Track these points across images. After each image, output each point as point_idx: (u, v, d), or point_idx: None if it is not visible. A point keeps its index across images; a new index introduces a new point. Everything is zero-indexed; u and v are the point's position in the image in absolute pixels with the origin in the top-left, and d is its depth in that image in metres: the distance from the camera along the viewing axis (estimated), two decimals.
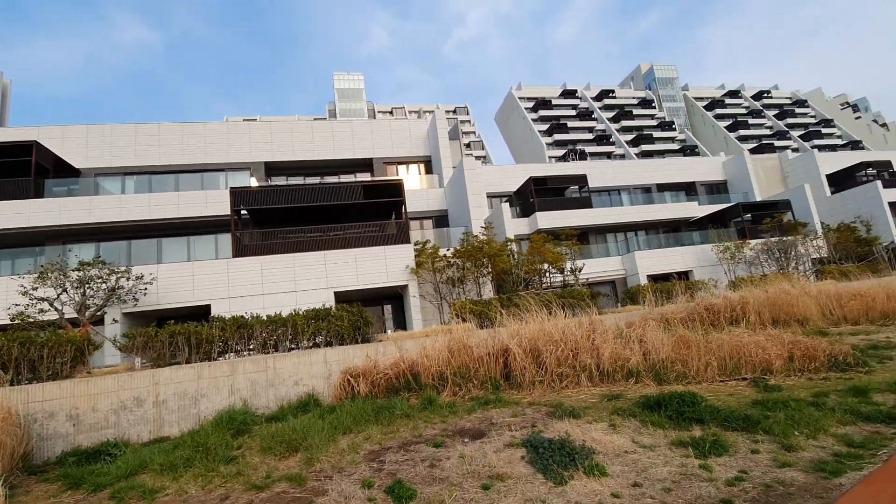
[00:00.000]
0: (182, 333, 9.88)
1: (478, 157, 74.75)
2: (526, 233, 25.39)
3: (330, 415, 7.29)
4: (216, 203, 20.65)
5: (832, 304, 12.80)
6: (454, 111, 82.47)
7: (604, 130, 67.11)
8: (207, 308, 15.58)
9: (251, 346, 10.70)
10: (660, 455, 4.91)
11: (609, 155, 62.58)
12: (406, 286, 17.04)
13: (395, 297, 18.92)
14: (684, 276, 25.83)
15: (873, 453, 4.47)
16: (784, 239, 24.41)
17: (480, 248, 16.22)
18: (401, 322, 18.84)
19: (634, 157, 59.95)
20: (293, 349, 10.96)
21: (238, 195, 17.22)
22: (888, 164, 34.14)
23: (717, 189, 34.63)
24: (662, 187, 33.36)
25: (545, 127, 66.50)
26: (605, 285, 27.14)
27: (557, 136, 64.64)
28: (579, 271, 17.82)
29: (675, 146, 64.02)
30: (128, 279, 14.66)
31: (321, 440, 6.07)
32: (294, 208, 17.75)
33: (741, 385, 7.02)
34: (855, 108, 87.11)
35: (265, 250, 16.79)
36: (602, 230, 29.88)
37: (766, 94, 78.34)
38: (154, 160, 22.68)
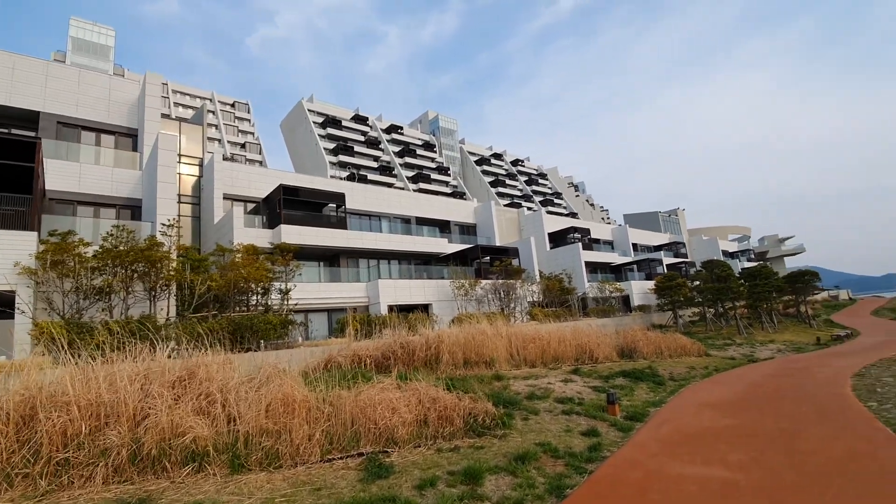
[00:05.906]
0: None
1: (253, 161, 67.00)
2: (267, 247, 21.55)
3: None
4: None
5: (519, 346, 13.07)
6: (232, 105, 72.81)
7: (388, 162, 68.49)
8: None
9: None
10: None
11: (391, 186, 63.80)
12: (13, 292, 11.21)
13: None
14: (424, 308, 25.91)
15: None
16: (507, 281, 26.93)
17: (143, 251, 11.72)
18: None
19: (412, 192, 62.57)
20: None
21: None
22: (588, 230, 43.04)
23: (468, 230, 37.42)
24: (421, 221, 34.16)
25: (332, 146, 64.06)
26: (346, 312, 25.22)
27: (343, 158, 62.81)
28: (287, 293, 14.97)
29: (449, 190, 69.50)
30: None
31: None
32: None
33: (349, 466, 5.00)
34: (577, 187, 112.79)
35: None
36: (356, 254, 28.27)
37: (520, 162, 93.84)
38: None
